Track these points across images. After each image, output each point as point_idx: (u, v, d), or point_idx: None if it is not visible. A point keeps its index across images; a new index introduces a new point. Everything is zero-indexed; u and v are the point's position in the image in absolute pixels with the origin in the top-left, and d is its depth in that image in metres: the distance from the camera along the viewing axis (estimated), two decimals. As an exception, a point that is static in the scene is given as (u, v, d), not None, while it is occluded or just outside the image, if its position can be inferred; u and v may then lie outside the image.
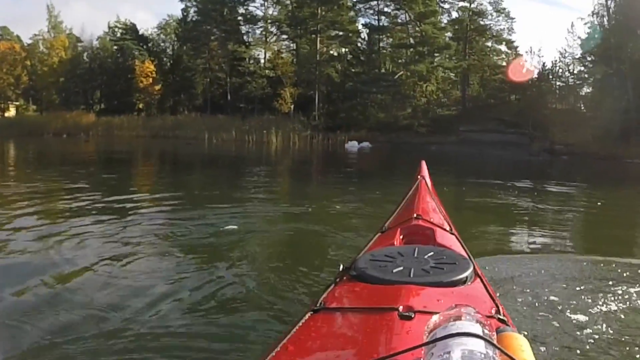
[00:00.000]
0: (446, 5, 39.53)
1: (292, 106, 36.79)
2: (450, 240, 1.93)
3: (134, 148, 25.06)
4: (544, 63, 37.56)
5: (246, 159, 20.89)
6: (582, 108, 36.57)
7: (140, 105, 41.18)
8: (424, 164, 3.10)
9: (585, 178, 14.97)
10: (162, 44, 45.22)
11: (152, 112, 40.50)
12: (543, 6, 64.71)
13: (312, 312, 1.28)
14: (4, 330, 2.56)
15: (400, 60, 38.06)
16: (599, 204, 8.72)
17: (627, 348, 2.43)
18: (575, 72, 37.45)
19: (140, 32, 43.78)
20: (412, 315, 1.15)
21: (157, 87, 40.73)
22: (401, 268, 1.47)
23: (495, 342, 0.83)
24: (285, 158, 22.94)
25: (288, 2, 40.64)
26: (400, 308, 1.18)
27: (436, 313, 0.93)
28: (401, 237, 2.00)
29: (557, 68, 37.57)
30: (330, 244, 4.87)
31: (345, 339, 1.19)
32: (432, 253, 1.59)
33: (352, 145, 31.11)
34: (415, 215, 2.14)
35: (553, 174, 16.11)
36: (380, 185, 10.66)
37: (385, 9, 38.73)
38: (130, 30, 43.38)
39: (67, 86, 42.33)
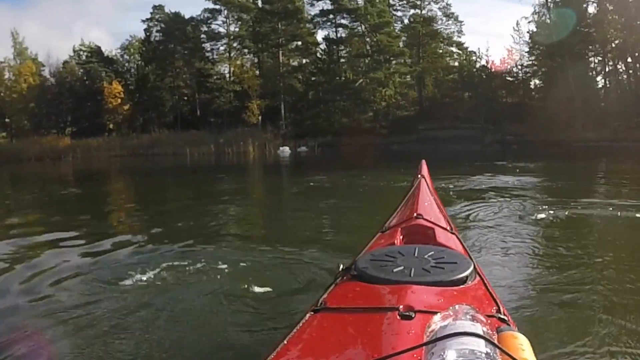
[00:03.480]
0: (399, 14, 42.42)
1: (260, 117, 38.55)
2: (450, 240, 1.95)
3: (126, 167, 25.50)
4: (492, 61, 40.49)
5: (237, 167, 22.44)
6: (531, 100, 39.08)
7: (111, 126, 41.84)
8: (424, 164, 3.10)
9: (528, 160, 16.95)
10: (126, 65, 45.88)
11: (122, 131, 41.26)
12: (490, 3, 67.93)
13: (312, 312, 1.29)
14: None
15: (359, 69, 40.28)
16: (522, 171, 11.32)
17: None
18: (525, 65, 40.05)
19: (105, 54, 44.60)
20: (413, 315, 1.15)
21: (126, 107, 41.51)
22: (402, 268, 1.47)
23: (495, 341, 0.84)
24: (266, 164, 24.85)
25: (248, 17, 42.27)
26: (401, 308, 1.17)
27: (437, 313, 0.94)
28: (402, 236, 1.99)
29: (506, 64, 40.34)
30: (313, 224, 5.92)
31: (346, 338, 1.18)
32: (432, 252, 1.59)
33: (283, 151, 32.09)
34: (415, 214, 2.14)
35: (500, 159, 17.45)
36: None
37: (343, 21, 41.11)
38: (96, 53, 44.04)
39: (37, 112, 42.48)
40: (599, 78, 38.95)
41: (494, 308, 1.28)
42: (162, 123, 41.22)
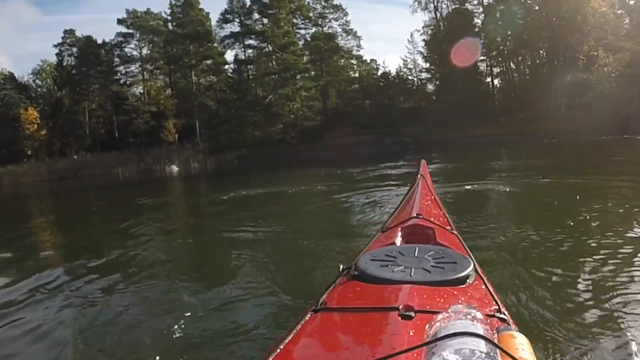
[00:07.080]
0: (302, 32, 45.67)
1: (176, 136, 40.71)
2: (450, 239, 1.95)
3: (62, 190, 24.63)
4: (389, 71, 44.81)
5: (166, 181, 24.52)
6: (427, 104, 42.99)
7: (29, 152, 41.63)
8: (424, 164, 3.14)
9: (423, 154, 19.47)
10: (39, 90, 45.67)
11: (40, 157, 41.19)
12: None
13: (312, 312, 1.29)
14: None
15: (268, 86, 43.19)
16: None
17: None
18: (421, 71, 44.30)
19: (18, 81, 44.48)
20: (413, 315, 1.15)
21: (43, 132, 41.66)
22: (402, 267, 1.47)
23: (495, 341, 0.84)
24: (190, 177, 27.22)
25: (160, 40, 43.89)
26: (401, 308, 1.17)
27: (437, 312, 0.95)
28: (402, 236, 2.00)
29: (402, 73, 44.68)
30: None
31: (346, 338, 1.18)
32: (432, 252, 1.60)
33: (170, 167, 34.75)
34: (415, 214, 2.16)
35: (399, 157, 19.60)
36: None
37: (251, 42, 44.06)
38: (9, 79, 43.67)
39: (-47, 142, 41.58)
40: (488, 79, 43.24)
41: (494, 308, 1.28)
42: (80, 146, 41.80)
